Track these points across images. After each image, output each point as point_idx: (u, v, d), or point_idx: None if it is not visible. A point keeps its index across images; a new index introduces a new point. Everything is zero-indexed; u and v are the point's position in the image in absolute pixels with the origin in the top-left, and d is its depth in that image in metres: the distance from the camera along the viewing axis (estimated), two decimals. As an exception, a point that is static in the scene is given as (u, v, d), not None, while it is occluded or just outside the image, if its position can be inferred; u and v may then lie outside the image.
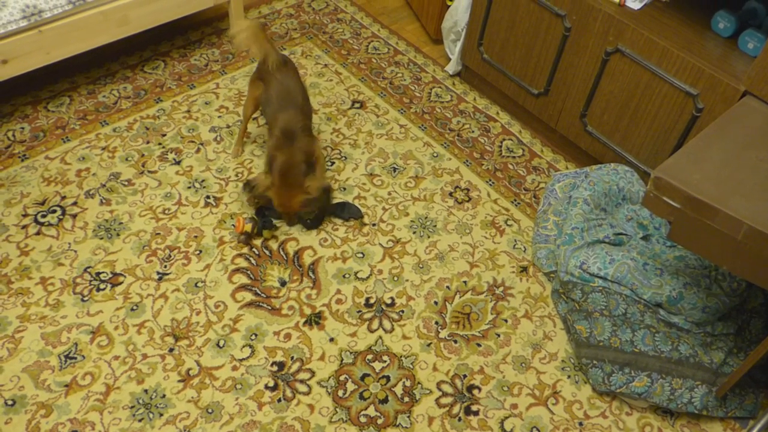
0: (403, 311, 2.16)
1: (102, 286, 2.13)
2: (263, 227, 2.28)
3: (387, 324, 2.13)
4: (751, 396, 2.00)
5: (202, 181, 2.47)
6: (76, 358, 1.96)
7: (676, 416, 2.00)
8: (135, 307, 2.09)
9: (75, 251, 2.21)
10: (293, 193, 2.23)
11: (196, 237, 2.29)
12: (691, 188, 1.63)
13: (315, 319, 2.12)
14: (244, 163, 2.55)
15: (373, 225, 2.40)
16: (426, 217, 2.45)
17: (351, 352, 2.05)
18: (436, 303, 2.20)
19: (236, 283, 2.18)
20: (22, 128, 2.59)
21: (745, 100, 1.97)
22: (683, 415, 2.00)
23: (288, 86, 2.32)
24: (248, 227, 2.24)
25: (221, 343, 2.03)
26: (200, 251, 2.26)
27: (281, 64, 2.32)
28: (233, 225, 2.33)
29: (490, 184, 2.60)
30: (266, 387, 1.95)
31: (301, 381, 1.97)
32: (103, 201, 2.37)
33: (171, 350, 2.00)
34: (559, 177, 2.46)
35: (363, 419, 1.90)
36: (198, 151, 2.58)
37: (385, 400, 1.95)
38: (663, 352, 1.96)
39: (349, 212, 2.39)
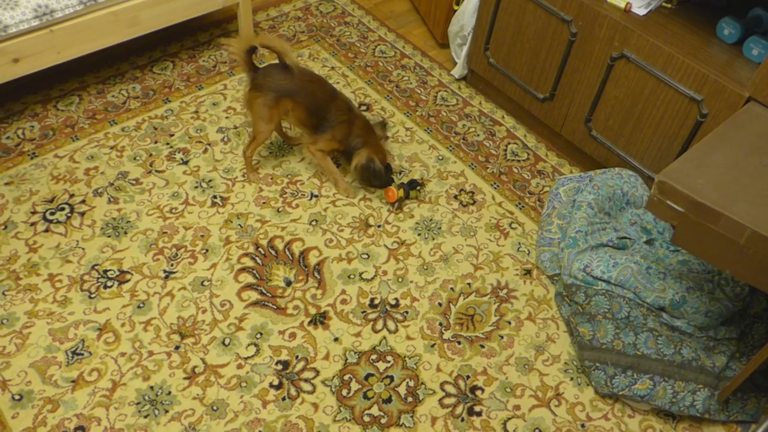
0: (407, 312, 2.18)
1: (109, 283, 2.15)
2: (411, 188, 2.47)
3: (391, 325, 2.14)
4: (753, 400, 2.01)
5: (209, 181, 2.49)
6: (82, 354, 1.98)
7: (678, 419, 2.01)
8: (142, 305, 2.11)
9: (83, 249, 2.23)
10: (380, 142, 2.51)
11: (202, 236, 2.31)
12: (694, 192, 1.64)
13: (320, 319, 2.13)
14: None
15: (378, 227, 2.42)
16: (431, 220, 2.46)
17: (355, 352, 2.06)
18: (440, 304, 2.21)
19: (242, 282, 2.20)
20: (32, 126, 2.61)
21: (749, 105, 1.98)
22: (685, 418, 2.01)
23: (315, 76, 2.47)
24: (401, 193, 2.43)
25: (227, 341, 2.05)
26: (207, 250, 2.27)
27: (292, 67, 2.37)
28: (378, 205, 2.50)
29: (495, 188, 2.62)
30: (271, 385, 1.96)
31: (306, 380, 1.98)
32: (111, 199, 2.39)
33: (177, 348, 2.02)
34: (564, 181, 2.47)
35: (366, 418, 1.92)
36: (205, 151, 2.60)
37: (388, 400, 1.97)
38: (666, 356, 1.97)
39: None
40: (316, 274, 2.25)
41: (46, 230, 2.27)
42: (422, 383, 2.01)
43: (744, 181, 1.71)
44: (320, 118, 2.40)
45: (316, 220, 2.41)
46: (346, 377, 2.00)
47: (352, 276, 2.26)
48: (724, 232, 1.63)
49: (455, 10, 3.03)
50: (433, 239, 2.40)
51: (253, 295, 2.17)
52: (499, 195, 2.59)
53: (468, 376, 2.04)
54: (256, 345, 2.05)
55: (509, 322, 2.19)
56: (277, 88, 2.34)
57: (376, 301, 2.20)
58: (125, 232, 2.30)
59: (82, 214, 2.34)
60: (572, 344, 2.15)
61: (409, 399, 1.97)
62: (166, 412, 1.88)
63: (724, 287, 2.07)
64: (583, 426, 1.96)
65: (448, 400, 1.98)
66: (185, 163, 2.55)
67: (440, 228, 2.44)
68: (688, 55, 2.15)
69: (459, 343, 2.12)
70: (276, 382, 1.97)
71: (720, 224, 1.62)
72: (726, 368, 1.99)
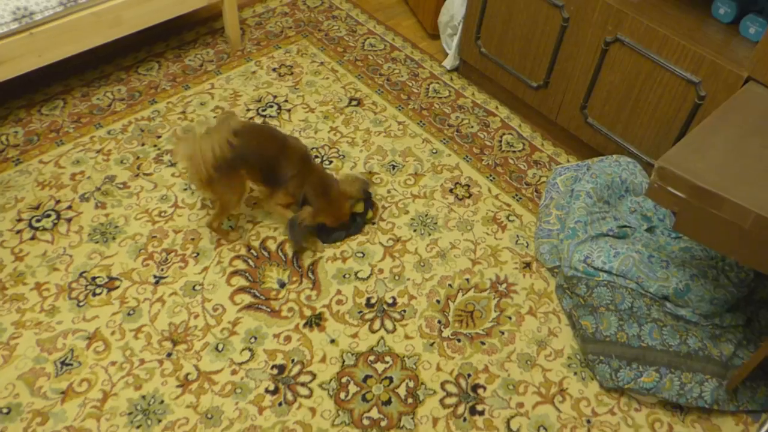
0: (405, 311, 2.13)
1: (98, 290, 2.10)
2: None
3: (389, 324, 2.09)
4: (763, 389, 1.96)
5: (199, 182, 2.44)
6: (72, 364, 1.93)
7: (687, 411, 1.96)
8: (132, 312, 2.05)
9: (70, 256, 2.18)
10: (341, 203, 2.21)
11: (192, 239, 2.26)
12: (695, 177, 1.59)
13: (315, 321, 2.08)
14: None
15: (373, 224, 2.36)
16: (426, 215, 2.41)
17: (352, 354, 2.01)
18: (438, 301, 2.16)
19: (234, 286, 2.14)
20: (16, 132, 2.56)
21: (748, 86, 1.93)
22: (693, 410, 1.96)
23: (262, 130, 2.24)
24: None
25: (220, 346, 1.99)
26: (197, 254, 2.22)
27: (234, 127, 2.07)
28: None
29: (491, 180, 2.56)
30: (266, 391, 1.91)
31: (302, 384, 1.93)
32: (98, 204, 2.33)
33: (169, 355, 1.97)
34: (561, 170, 2.42)
35: (366, 422, 1.87)
36: (194, 152, 2.54)
37: (388, 402, 1.91)
38: (671, 346, 1.92)
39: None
40: (310, 275, 2.19)
41: (32, 238, 2.22)
42: (422, 383, 1.96)
43: (746, 163, 1.66)
44: (273, 173, 2.17)
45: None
46: (343, 380, 1.95)
47: (347, 275, 2.20)
48: (727, 216, 1.57)
49: (445, 0, 2.97)
50: (429, 235, 2.35)
51: (247, 298, 2.11)
52: (495, 187, 2.53)
53: (469, 375, 1.99)
54: (250, 349, 1.99)
55: (510, 318, 2.13)
56: (232, 157, 2.04)
57: (373, 301, 2.14)
58: (113, 238, 2.24)
59: (69, 220, 2.28)
60: (575, 338, 2.09)
61: (409, 400, 1.92)
62: (159, 421, 1.83)
63: (728, 273, 2.02)
64: (588, 422, 1.91)
65: (449, 400, 1.93)
66: (173, 165, 2.49)
67: (436, 223, 2.39)
68: (683, 37, 2.09)
69: (459, 340, 2.07)
70: (272, 387, 1.92)
71: (723, 209, 1.57)
72: (733, 357, 1.93)
